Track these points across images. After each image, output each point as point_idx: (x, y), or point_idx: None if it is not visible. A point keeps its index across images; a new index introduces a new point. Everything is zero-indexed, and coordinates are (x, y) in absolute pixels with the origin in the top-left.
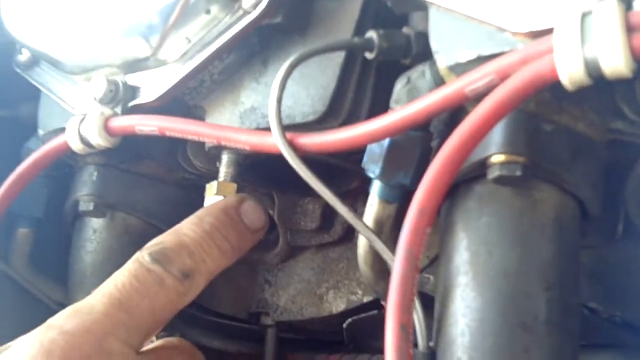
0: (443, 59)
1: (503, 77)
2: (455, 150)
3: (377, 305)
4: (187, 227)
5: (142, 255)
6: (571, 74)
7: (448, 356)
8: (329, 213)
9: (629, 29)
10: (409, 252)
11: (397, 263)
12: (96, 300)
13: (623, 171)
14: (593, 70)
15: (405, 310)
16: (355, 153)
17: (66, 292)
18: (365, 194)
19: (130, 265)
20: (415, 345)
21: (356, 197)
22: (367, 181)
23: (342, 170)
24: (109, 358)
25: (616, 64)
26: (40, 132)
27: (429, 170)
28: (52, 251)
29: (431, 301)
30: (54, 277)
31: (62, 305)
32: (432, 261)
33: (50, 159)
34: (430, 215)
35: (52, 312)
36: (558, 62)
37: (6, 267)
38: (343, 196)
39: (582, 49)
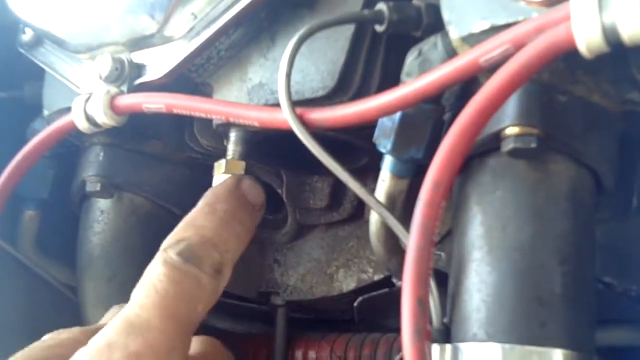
0: (455, 30)
1: (518, 47)
2: (470, 121)
3: (388, 283)
4: (202, 218)
5: (170, 256)
6: (589, 41)
7: (463, 332)
8: (338, 191)
9: None
10: (425, 226)
11: (413, 237)
12: (147, 312)
13: (638, 143)
14: (611, 37)
15: (422, 285)
16: (365, 129)
17: (74, 273)
18: (375, 171)
19: (163, 269)
20: (430, 322)
21: (365, 175)
22: (377, 158)
23: (351, 147)
24: None
25: (635, 29)
26: (46, 112)
27: (443, 142)
28: (58, 233)
29: (444, 278)
30: (61, 259)
31: (70, 287)
32: (443, 237)
33: (56, 138)
34: (445, 189)
35: (60, 294)
36: (575, 29)
37: (13, 250)
38: (352, 173)
39: (600, 14)
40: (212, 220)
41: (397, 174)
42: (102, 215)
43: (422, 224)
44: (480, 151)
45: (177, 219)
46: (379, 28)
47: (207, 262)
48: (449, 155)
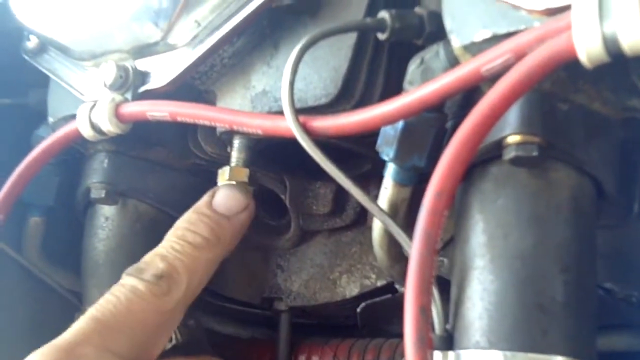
0: (457, 39)
1: (520, 56)
2: (473, 130)
3: (391, 289)
4: (161, 243)
5: (121, 277)
6: (589, 51)
7: (466, 339)
8: (340, 197)
9: None
10: (427, 234)
11: (415, 246)
12: (76, 321)
13: (638, 149)
14: (612, 47)
15: (424, 293)
16: (368, 136)
17: (78, 279)
18: (377, 178)
19: (112, 288)
20: (432, 328)
21: (368, 181)
22: (379, 165)
23: (354, 154)
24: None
25: (636, 39)
26: (50, 119)
27: (446, 151)
28: (64, 239)
29: (446, 284)
30: (66, 265)
31: (74, 293)
32: (446, 244)
33: (61, 146)
34: (447, 197)
35: (65, 300)
36: (576, 39)
37: (18, 256)
38: (355, 180)
39: (600, 24)
40: (167, 239)
41: (399, 182)
42: (106, 222)
43: (425, 232)
44: (482, 159)
45: None
46: (382, 36)
47: (149, 272)
48: (451, 163)
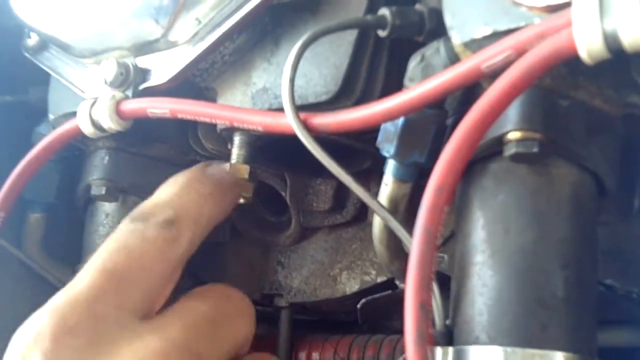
0: (458, 35)
1: (520, 53)
2: (473, 126)
3: (391, 285)
4: (161, 189)
5: (123, 222)
6: (590, 48)
7: (466, 335)
8: (341, 194)
9: None
10: (427, 230)
11: (416, 242)
12: (82, 274)
13: (639, 146)
14: (612, 44)
15: (425, 289)
16: (368, 133)
17: None
18: (378, 175)
19: (113, 234)
20: (432, 324)
21: (368, 178)
22: (379, 161)
23: (354, 150)
24: (100, 324)
25: (636, 36)
26: (51, 116)
27: (446, 147)
28: (64, 236)
29: (446, 280)
30: (66, 262)
31: None
32: (446, 240)
33: (62, 143)
34: (448, 193)
35: None
36: (577, 36)
37: (19, 253)
38: (355, 177)
39: (601, 21)
40: (170, 187)
41: (400, 178)
42: (107, 219)
43: (425, 228)
44: (483, 156)
45: None
46: (382, 33)
47: (156, 217)
48: (452, 159)
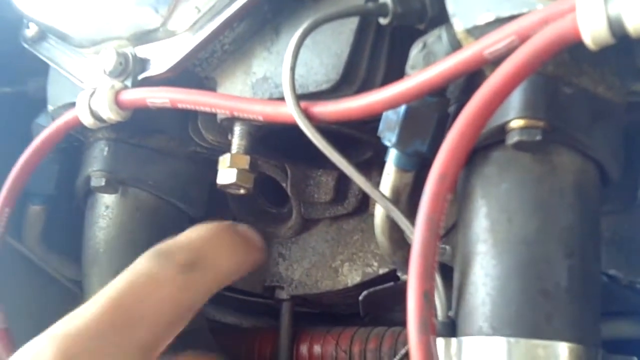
0: (460, 22)
1: (523, 39)
2: (476, 113)
3: (393, 277)
4: (191, 230)
5: (145, 254)
6: (594, 33)
7: (469, 325)
8: (342, 185)
9: None
10: (430, 218)
11: (419, 230)
12: (90, 303)
13: None
14: (616, 29)
15: (428, 278)
16: (369, 122)
17: (79, 268)
18: (379, 166)
19: (131, 265)
20: (435, 315)
21: (370, 169)
22: (381, 152)
23: (355, 141)
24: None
25: None
26: (50, 107)
27: (449, 134)
28: (64, 228)
29: (449, 271)
30: (66, 254)
31: (75, 282)
32: (448, 231)
33: (62, 134)
34: (450, 181)
35: (65, 289)
36: (581, 21)
37: (19, 245)
38: (357, 167)
39: (605, 6)
40: (202, 230)
41: (402, 168)
42: (107, 211)
43: (427, 216)
44: (485, 144)
45: (181, 214)
46: (383, 21)
47: (176, 258)
48: (454, 147)
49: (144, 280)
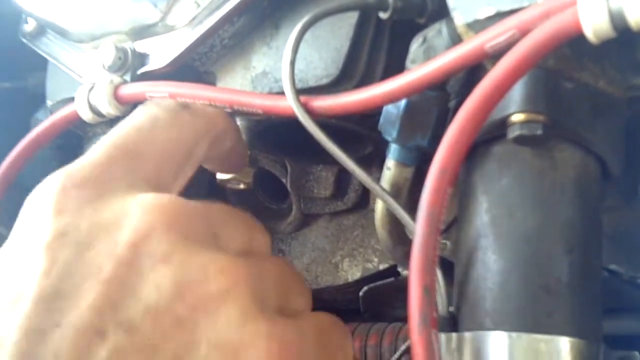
0: (460, 16)
1: (524, 32)
2: (477, 107)
3: (394, 272)
4: None
5: (138, 107)
6: (596, 27)
7: (470, 320)
8: (342, 180)
9: None
10: (431, 212)
11: (419, 224)
12: (92, 149)
13: None
14: (618, 22)
15: (429, 272)
16: (370, 117)
17: None
18: (379, 161)
19: (127, 117)
20: (436, 309)
21: (370, 164)
22: (381, 147)
23: (355, 137)
24: (108, 183)
25: None
26: (49, 102)
27: (450, 128)
28: None
29: (449, 266)
30: None
31: None
32: (449, 226)
33: (59, 128)
34: (451, 175)
35: None
36: (582, 14)
37: None
38: (357, 162)
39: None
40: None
41: (402, 162)
42: None
43: (428, 211)
44: (486, 138)
45: None
46: (383, 15)
47: (170, 102)
48: (455, 141)
49: (139, 124)
